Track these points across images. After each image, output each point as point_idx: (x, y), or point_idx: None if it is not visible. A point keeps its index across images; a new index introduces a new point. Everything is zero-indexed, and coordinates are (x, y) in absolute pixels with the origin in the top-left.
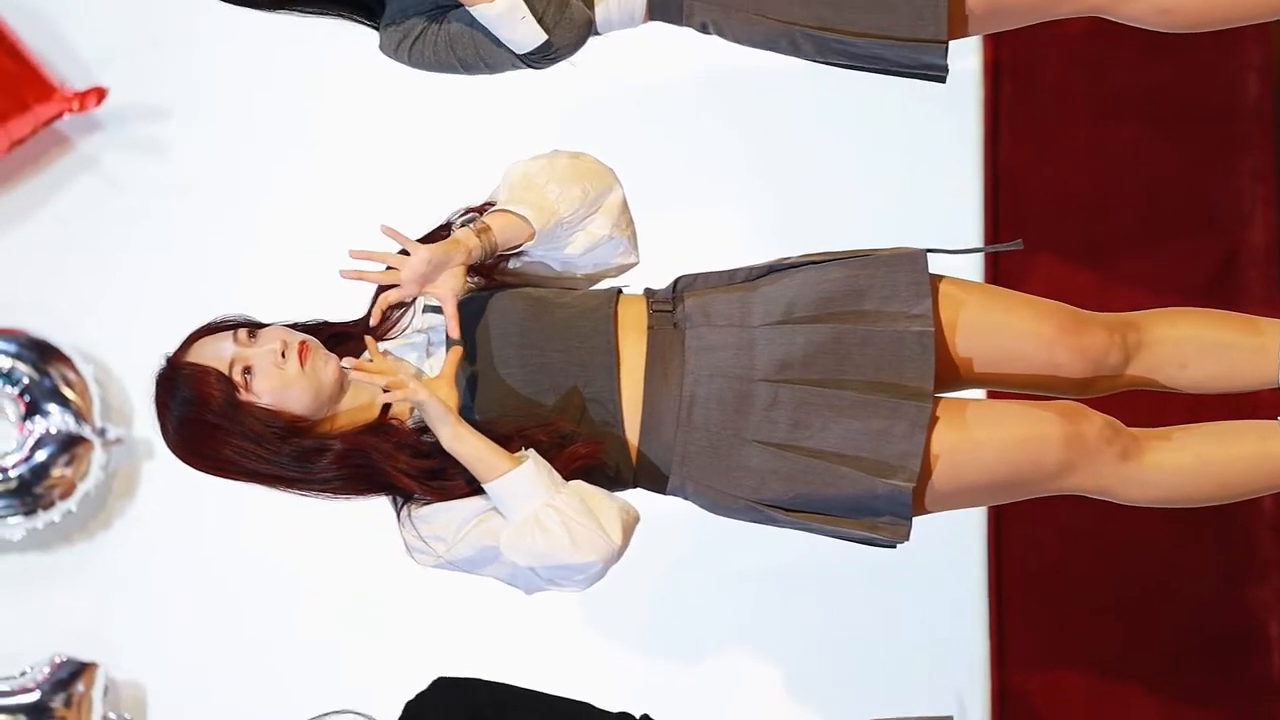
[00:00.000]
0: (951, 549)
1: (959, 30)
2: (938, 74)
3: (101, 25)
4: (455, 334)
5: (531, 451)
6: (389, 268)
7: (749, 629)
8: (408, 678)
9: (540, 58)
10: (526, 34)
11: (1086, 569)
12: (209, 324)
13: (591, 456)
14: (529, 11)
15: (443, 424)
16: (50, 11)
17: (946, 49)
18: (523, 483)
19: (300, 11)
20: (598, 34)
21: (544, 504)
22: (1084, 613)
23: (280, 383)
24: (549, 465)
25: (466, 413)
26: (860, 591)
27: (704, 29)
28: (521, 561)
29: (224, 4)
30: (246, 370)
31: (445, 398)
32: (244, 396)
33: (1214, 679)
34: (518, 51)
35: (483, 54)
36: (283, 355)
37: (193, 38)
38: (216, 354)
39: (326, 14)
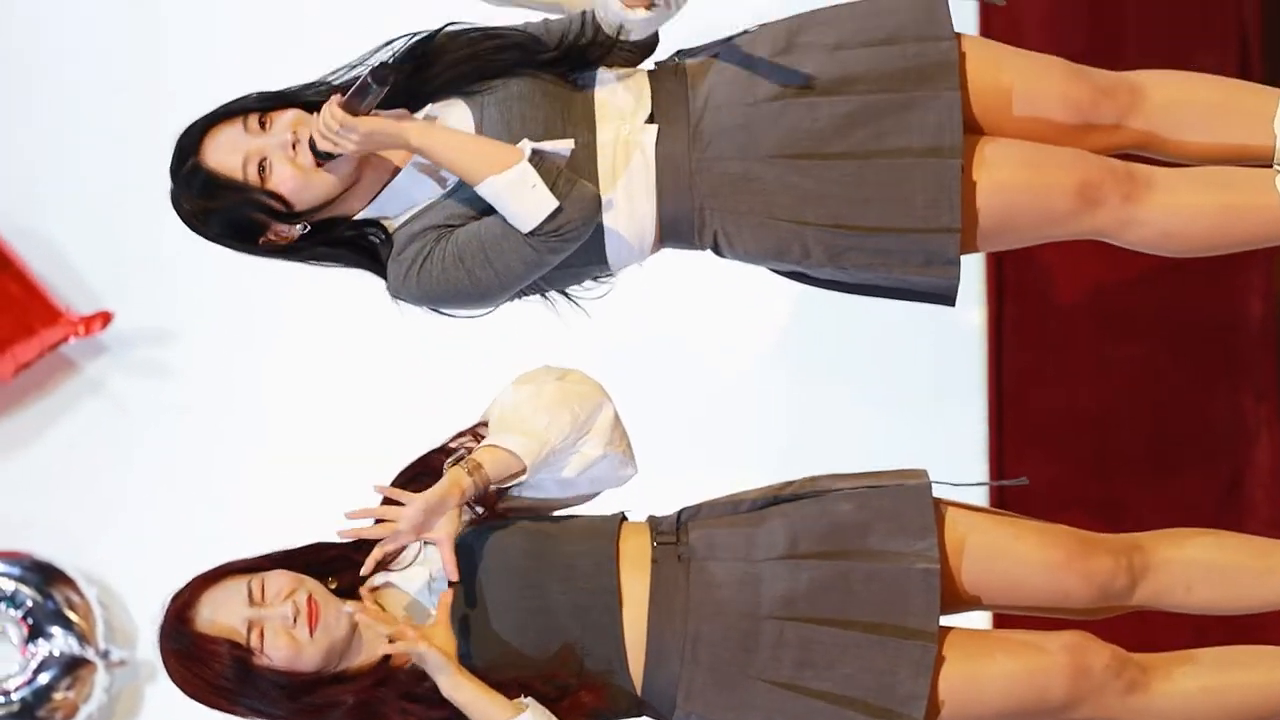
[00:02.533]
0: None
1: (969, 245)
2: (946, 284)
3: (106, 250)
4: (454, 577)
5: (530, 700)
6: (386, 520)
7: None
8: None
9: (550, 234)
10: (538, 202)
11: None
12: (216, 571)
13: (597, 702)
14: (540, 180)
15: (441, 673)
16: (56, 237)
17: (958, 239)
18: None
19: (301, 260)
20: (611, 274)
21: None
22: None
23: (293, 649)
24: (546, 711)
25: (465, 659)
26: None
27: (715, 242)
28: None
29: None
30: (260, 633)
31: (443, 644)
32: (258, 661)
33: None
34: (526, 228)
35: (490, 255)
36: (294, 620)
37: (196, 263)
38: (226, 615)
39: (330, 264)
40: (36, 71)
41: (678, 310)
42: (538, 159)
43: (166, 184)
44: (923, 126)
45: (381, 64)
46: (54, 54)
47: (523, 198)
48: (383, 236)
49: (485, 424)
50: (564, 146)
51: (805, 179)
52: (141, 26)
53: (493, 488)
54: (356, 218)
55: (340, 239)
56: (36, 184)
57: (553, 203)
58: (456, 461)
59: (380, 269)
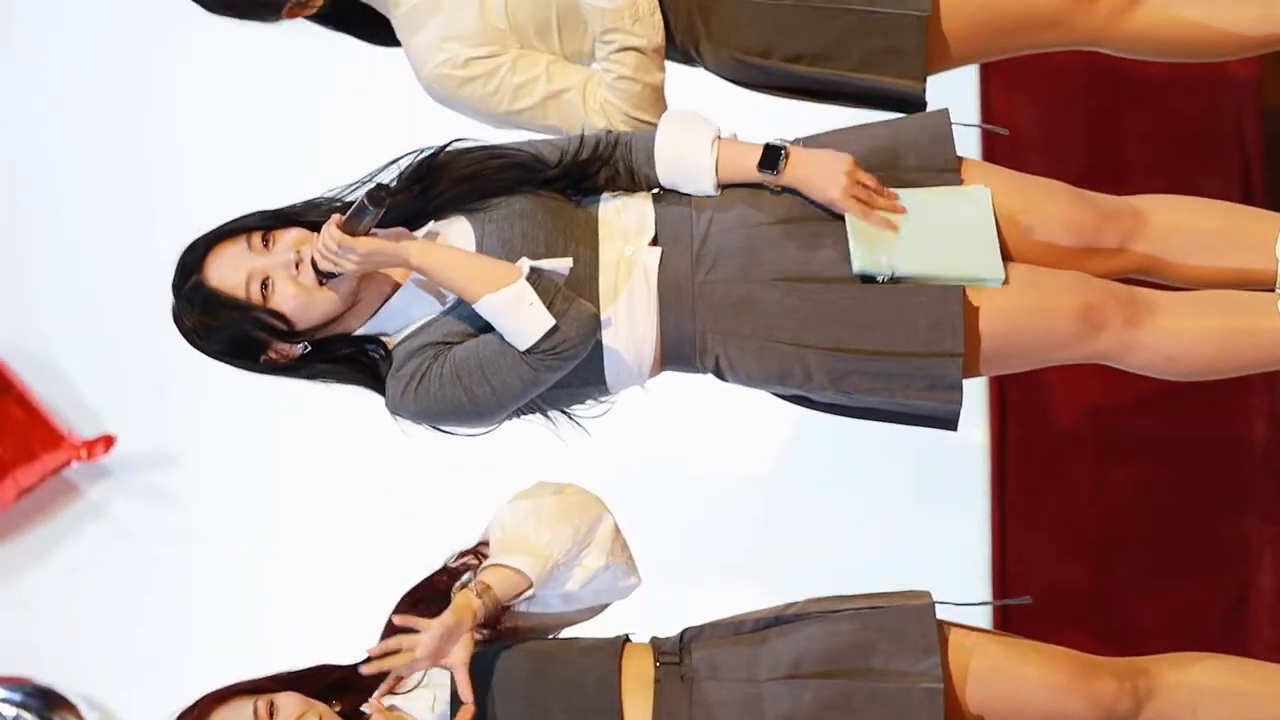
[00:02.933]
0: None
1: (971, 369)
2: (948, 409)
3: (108, 374)
4: (469, 700)
5: None
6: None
7: None
8: None
9: (547, 352)
10: (535, 320)
11: None
12: (225, 691)
13: None
14: (537, 298)
15: None
16: (58, 360)
17: (960, 364)
18: None
19: (301, 378)
20: (610, 394)
21: None
22: None
23: None
24: None
25: None
26: None
27: (717, 365)
28: None
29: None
30: None
31: None
32: None
33: None
34: (523, 346)
35: (488, 373)
36: None
37: (199, 387)
38: None
39: (330, 381)
40: (37, 194)
41: (681, 431)
42: (536, 277)
43: (168, 307)
44: None
45: (378, 185)
46: (52, 176)
47: (520, 315)
48: (382, 353)
49: (486, 543)
50: (562, 265)
51: (806, 302)
52: (140, 145)
53: (501, 607)
54: (356, 334)
55: (340, 356)
56: (38, 307)
57: (549, 321)
58: (464, 585)
59: (380, 386)
